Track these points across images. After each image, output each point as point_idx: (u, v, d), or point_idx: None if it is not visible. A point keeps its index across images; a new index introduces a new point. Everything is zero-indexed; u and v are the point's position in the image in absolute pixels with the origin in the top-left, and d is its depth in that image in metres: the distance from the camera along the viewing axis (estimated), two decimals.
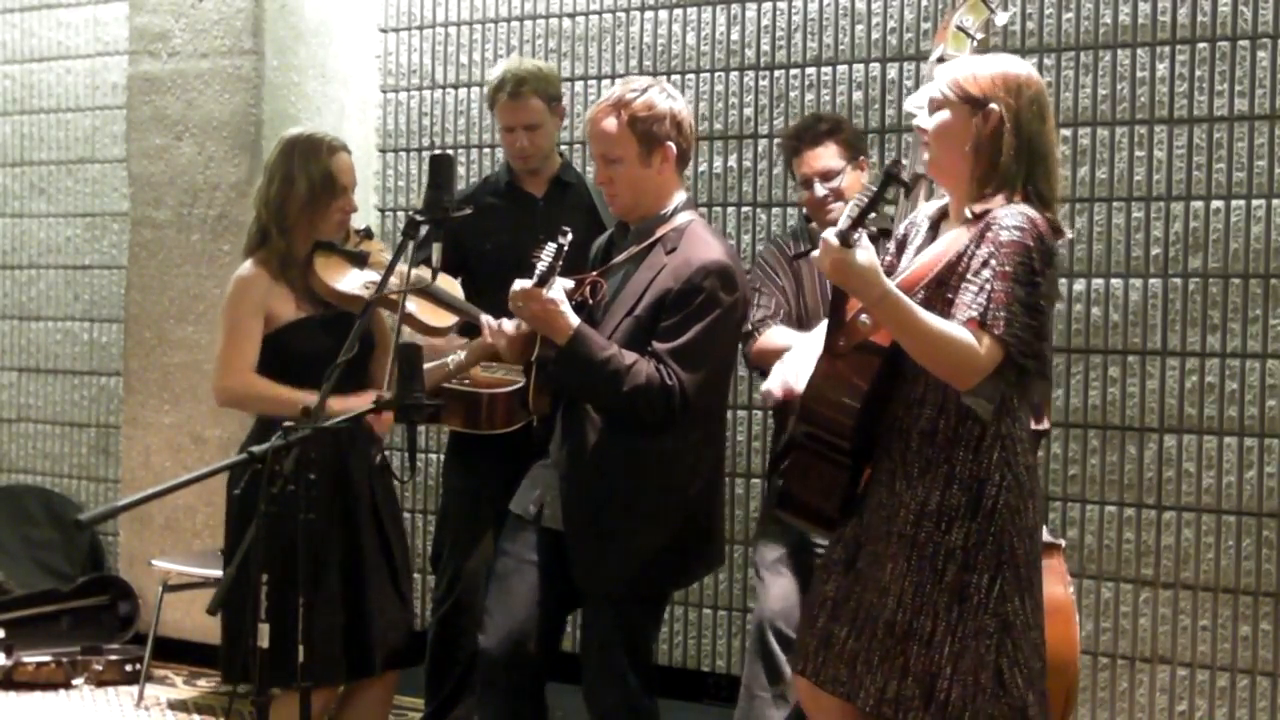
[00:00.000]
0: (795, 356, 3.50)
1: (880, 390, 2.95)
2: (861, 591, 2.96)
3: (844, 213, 2.85)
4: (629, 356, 3.38)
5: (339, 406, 3.43)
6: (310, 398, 3.17)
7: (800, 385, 3.14)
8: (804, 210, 4.25)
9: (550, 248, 3.38)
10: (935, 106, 2.98)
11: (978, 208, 2.91)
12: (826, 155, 4.06)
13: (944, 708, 2.86)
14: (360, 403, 3.50)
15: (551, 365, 3.43)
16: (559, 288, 3.40)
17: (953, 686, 2.87)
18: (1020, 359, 2.84)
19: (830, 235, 2.83)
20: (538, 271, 3.36)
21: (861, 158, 4.15)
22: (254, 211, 3.88)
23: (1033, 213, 2.88)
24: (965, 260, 2.87)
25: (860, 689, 2.93)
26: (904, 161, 2.95)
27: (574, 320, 3.38)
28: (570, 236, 3.37)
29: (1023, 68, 2.99)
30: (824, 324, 3.19)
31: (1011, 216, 2.85)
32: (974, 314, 2.81)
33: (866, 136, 4.86)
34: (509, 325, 3.66)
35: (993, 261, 2.82)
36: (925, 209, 3.15)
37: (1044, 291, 2.86)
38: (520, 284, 3.39)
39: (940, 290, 2.89)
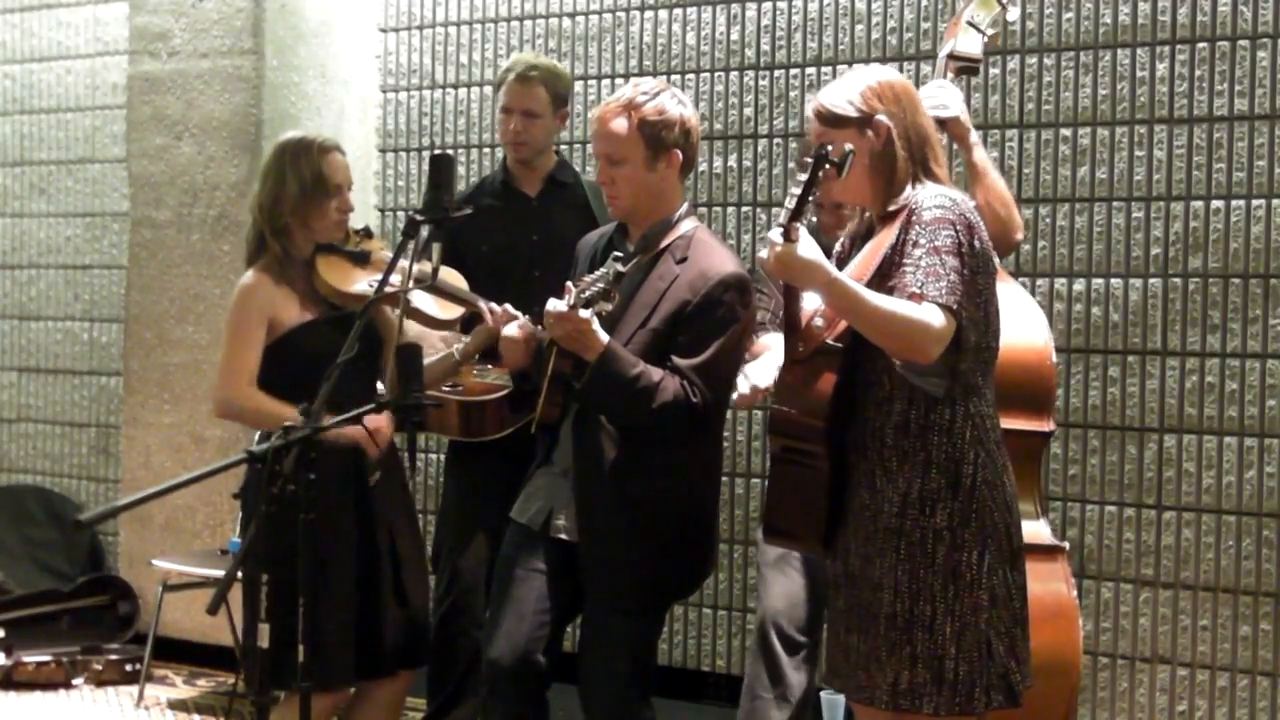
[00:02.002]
0: (763, 359, 3.56)
1: (844, 390, 3.00)
2: (859, 594, 3.00)
3: (784, 206, 2.91)
4: (656, 373, 3.37)
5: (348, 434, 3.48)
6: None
7: (761, 381, 3.24)
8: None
9: (600, 272, 3.33)
10: (824, 139, 3.03)
11: (892, 208, 3.01)
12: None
13: (954, 686, 2.92)
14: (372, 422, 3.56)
15: (581, 383, 3.40)
16: (595, 312, 3.36)
17: (959, 664, 2.93)
18: (967, 325, 2.91)
19: (773, 234, 2.90)
20: (581, 295, 3.29)
21: None
22: (250, 219, 3.89)
23: (953, 192, 2.99)
24: (899, 249, 2.95)
25: (875, 688, 2.97)
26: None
27: (604, 338, 3.35)
28: (621, 267, 3.29)
29: (882, 73, 3.11)
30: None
31: (932, 198, 2.95)
32: (914, 289, 2.88)
33: None
34: (512, 329, 3.63)
35: (921, 240, 2.91)
36: (851, 229, 3.22)
37: (976, 264, 2.94)
38: (555, 305, 3.34)
39: (883, 284, 2.95)
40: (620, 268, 3.27)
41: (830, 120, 3.04)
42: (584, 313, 3.29)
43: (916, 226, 2.92)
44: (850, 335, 2.98)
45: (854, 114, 3.01)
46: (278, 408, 3.63)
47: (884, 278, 2.95)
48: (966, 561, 2.92)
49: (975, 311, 2.93)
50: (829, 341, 2.99)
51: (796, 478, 3.04)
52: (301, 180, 3.77)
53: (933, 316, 2.85)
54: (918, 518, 2.93)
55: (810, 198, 2.90)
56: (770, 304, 4.06)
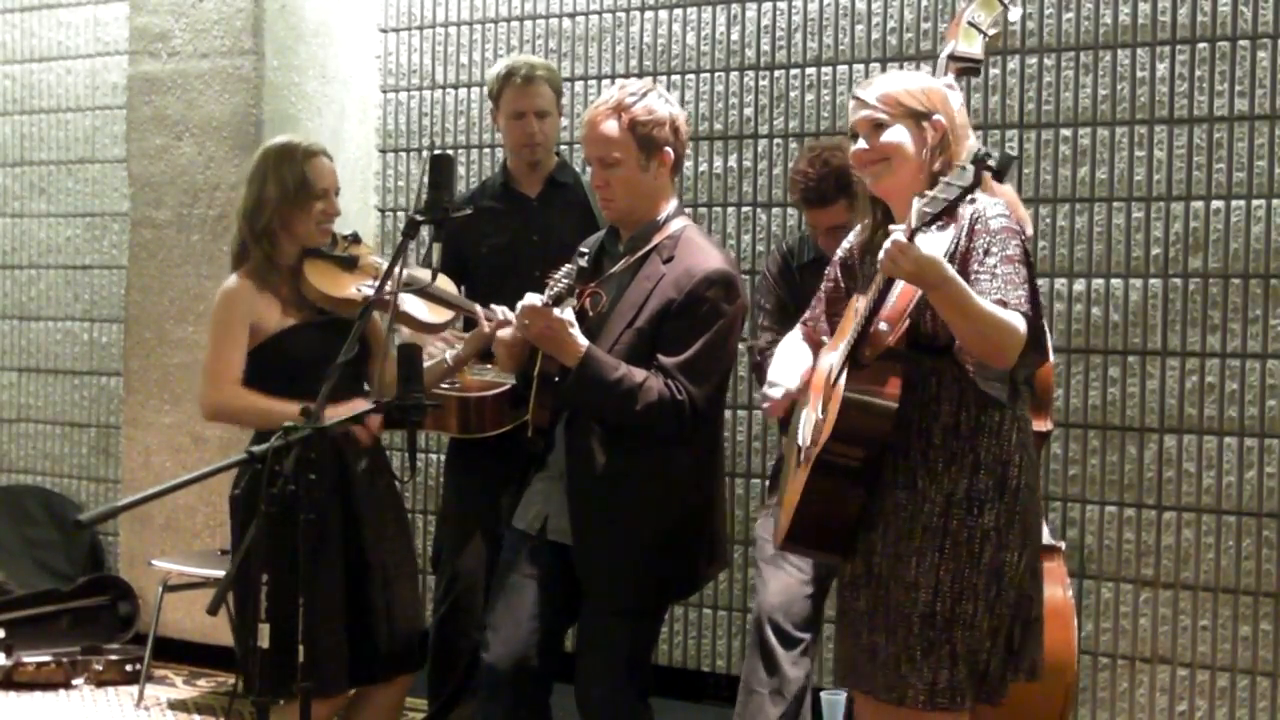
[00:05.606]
0: (782, 365, 3.31)
1: (910, 393, 2.96)
2: (887, 595, 2.98)
3: (915, 208, 2.78)
4: (639, 374, 3.36)
5: (330, 414, 3.40)
6: (295, 408, 3.14)
7: (791, 383, 3.12)
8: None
9: (566, 268, 3.33)
10: (875, 125, 3.01)
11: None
12: (835, 213, 4.01)
13: (983, 679, 2.97)
14: (350, 410, 3.48)
15: (563, 387, 3.40)
16: (568, 307, 3.36)
17: (991, 658, 2.97)
18: (1038, 333, 2.92)
19: (897, 234, 2.80)
20: (551, 291, 3.31)
21: None
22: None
23: (1005, 199, 3.02)
24: (960, 255, 2.91)
25: (909, 688, 2.94)
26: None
27: (584, 341, 3.35)
28: (586, 260, 3.30)
29: (934, 79, 3.15)
30: (792, 334, 3.27)
31: (994, 206, 2.96)
32: (998, 297, 2.87)
33: None
34: (505, 333, 3.63)
35: (994, 248, 2.91)
36: (858, 239, 3.18)
37: (1034, 269, 2.98)
38: (531, 299, 3.35)
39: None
40: (583, 263, 3.30)
41: (894, 107, 3.01)
42: (558, 312, 3.31)
43: (984, 235, 2.91)
44: (908, 340, 2.95)
45: (918, 106, 3.01)
46: (270, 404, 3.62)
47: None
48: (1010, 562, 2.95)
49: (1039, 320, 2.94)
50: (894, 347, 2.94)
51: (831, 486, 2.97)
52: (284, 185, 3.75)
53: (1019, 323, 2.85)
54: (964, 518, 2.93)
55: (963, 201, 2.78)
56: (776, 323, 4.05)
